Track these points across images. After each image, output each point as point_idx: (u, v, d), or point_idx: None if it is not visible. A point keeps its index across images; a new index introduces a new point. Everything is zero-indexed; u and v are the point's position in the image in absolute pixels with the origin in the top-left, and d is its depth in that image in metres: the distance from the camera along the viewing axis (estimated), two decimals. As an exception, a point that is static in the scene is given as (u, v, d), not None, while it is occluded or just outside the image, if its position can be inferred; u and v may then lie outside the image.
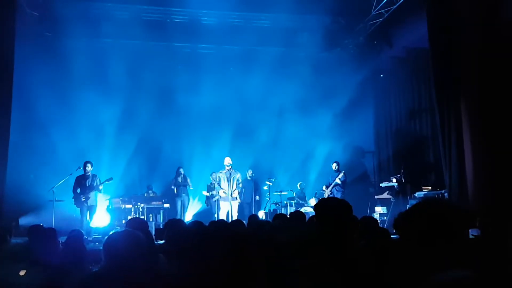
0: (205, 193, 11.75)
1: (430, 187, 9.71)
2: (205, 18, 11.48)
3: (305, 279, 2.42)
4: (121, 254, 2.08)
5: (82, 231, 7.80)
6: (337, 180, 10.74)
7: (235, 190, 10.12)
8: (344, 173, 10.89)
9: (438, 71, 8.88)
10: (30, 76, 10.77)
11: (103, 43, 11.83)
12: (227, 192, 10.07)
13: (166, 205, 11.24)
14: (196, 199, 12.29)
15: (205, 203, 11.64)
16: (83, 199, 9.19)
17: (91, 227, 9.40)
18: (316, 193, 11.59)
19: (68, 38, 11.12)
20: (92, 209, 9.39)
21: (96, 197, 9.48)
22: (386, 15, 10.91)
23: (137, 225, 4.41)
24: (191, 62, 12.66)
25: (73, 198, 9.34)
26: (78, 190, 9.28)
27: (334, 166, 11.11)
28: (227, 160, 10.23)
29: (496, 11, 7.63)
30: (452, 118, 8.47)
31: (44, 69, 10.95)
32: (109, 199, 11.17)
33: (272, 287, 2.70)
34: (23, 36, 9.95)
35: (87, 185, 9.30)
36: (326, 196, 10.56)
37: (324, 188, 11.04)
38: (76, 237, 4.41)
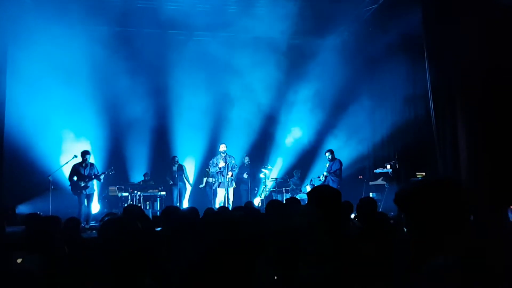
0: (203, 182, 11.60)
1: (424, 173, 9.78)
2: (200, 5, 11.38)
3: (308, 264, 2.46)
4: (116, 240, 2.11)
5: (80, 219, 7.91)
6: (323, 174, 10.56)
7: (229, 172, 10.18)
8: (335, 162, 10.57)
9: (432, 58, 8.90)
10: (25, 62, 10.71)
11: (98, 30, 11.73)
12: (221, 180, 10.14)
13: (163, 193, 11.29)
14: (193, 187, 12.31)
15: (205, 185, 11.42)
16: (83, 187, 9.27)
17: (90, 214, 9.49)
18: (311, 180, 11.64)
19: (63, 24, 11.02)
20: (90, 197, 9.52)
21: (93, 185, 9.59)
22: (380, 1, 10.89)
23: (133, 212, 4.47)
24: (186, 50, 12.58)
25: (69, 185, 9.41)
26: (75, 178, 9.35)
27: (327, 154, 10.75)
28: (222, 147, 10.31)
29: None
30: (447, 104, 8.52)
31: (39, 55, 10.87)
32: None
33: (276, 272, 2.76)
34: (17, 21, 9.91)
35: (86, 174, 9.39)
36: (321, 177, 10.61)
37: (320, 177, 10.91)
38: (73, 226, 4.45)
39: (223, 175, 10.13)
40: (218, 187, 10.24)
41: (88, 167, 9.49)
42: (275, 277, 2.80)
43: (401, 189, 1.65)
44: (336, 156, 10.83)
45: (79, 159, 9.57)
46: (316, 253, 2.45)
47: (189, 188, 11.88)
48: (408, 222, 1.56)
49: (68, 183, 9.47)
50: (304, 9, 11.04)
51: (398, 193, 1.63)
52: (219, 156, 10.33)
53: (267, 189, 11.71)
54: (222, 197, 10.18)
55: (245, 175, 11.29)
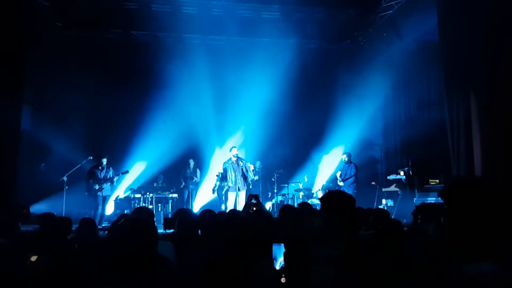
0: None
1: (437, 180, 9.68)
2: (215, 10, 11.45)
3: (324, 269, 2.44)
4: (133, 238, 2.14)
5: (96, 220, 8.01)
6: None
7: (255, 177, 10.13)
8: (350, 166, 10.46)
9: (447, 63, 8.82)
10: (41, 66, 10.85)
11: (114, 33, 11.85)
12: (232, 184, 10.06)
13: (175, 195, 11.34)
14: (204, 190, 12.33)
15: (214, 191, 11.39)
16: (97, 189, 9.38)
17: (104, 216, 9.59)
18: (323, 185, 11.59)
19: (79, 29, 11.16)
20: (106, 199, 9.66)
21: (110, 187, 9.70)
22: (396, 7, 10.84)
23: (143, 213, 4.49)
24: (201, 53, 12.61)
25: (86, 187, 9.52)
26: (91, 181, 9.47)
27: (344, 157, 10.64)
28: (234, 151, 10.19)
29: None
30: (461, 110, 8.42)
31: (55, 59, 11.02)
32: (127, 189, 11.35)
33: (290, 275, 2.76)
34: (34, 26, 10.04)
35: (101, 176, 9.50)
36: (338, 183, 10.44)
37: (337, 175, 10.76)
38: (88, 225, 4.50)
39: (228, 181, 10.06)
40: (229, 191, 10.19)
41: (104, 170, 9.62)
42: (283, 280, 2.80)
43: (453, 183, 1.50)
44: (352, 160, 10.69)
45: (94, 162, 9.71)
46: (328, 258, 2.43)
47: (200, 191, 11.92)
48: (450, 220, 1.40)
49: (85, 184, 9.59)
50: (318, 14, 11.06)
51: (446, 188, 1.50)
52: (230, 160, 10.25)
53: (278, 194, 11.67)
54: (232, 201, 10.10)
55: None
